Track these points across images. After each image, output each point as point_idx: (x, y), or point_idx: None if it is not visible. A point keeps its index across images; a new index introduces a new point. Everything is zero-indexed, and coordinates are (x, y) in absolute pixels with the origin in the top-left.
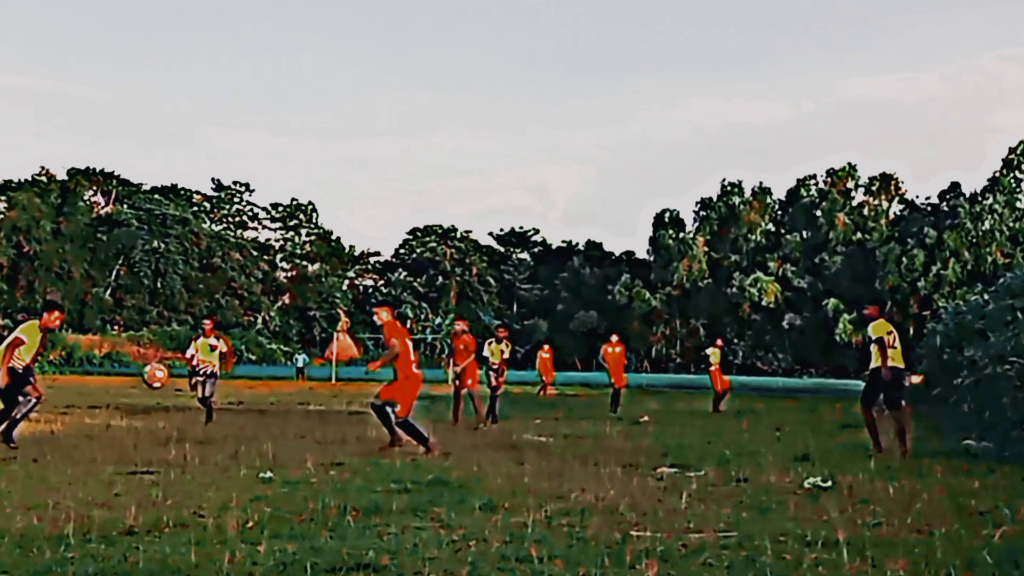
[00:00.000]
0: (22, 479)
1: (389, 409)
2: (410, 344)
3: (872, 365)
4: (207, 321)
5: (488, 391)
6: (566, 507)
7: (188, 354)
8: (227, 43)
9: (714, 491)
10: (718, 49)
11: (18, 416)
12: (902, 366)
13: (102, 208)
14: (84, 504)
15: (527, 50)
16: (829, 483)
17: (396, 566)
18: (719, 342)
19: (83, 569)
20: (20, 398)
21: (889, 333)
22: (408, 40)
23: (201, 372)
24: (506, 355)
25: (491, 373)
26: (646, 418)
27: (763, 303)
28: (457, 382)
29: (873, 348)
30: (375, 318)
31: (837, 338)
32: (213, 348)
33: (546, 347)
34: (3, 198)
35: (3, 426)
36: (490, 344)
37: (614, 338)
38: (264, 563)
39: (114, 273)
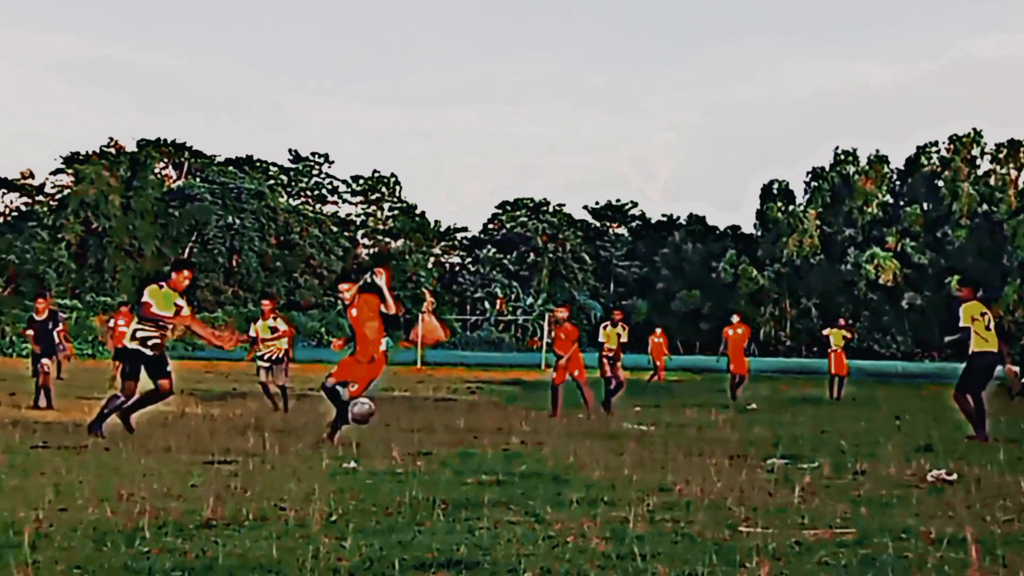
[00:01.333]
0: (94, 469)
1: (341, 389)
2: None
3: (973, 349)
4: (266, 302)
5: (602, 380)
6: (670, 501)
7: (250, 336)
8: (305, 6)
9: (829, 484)
10: (830, 6)
11: (106, 411)
12: (995, 350)
13: (174, 182)
14: (159, 496)
15: (624, 13)
16: (954, 476)
17: (489, 563)
18: (840, 321)
19: (159, 564)
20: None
21: (983, 315)
22: (497, 4)
23: (266, 358)
24: (623, 339)
25: (605, 360)
26: (754, 405)
27: (880, 281)
28: (555, 374)
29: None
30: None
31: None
32: (274, 331)
33: (659, 330)
34: (70, 172)
35: (104, 415)
36: (605, 328)
37: (735, 319)
38: (349, 558)
39: (187, 250)
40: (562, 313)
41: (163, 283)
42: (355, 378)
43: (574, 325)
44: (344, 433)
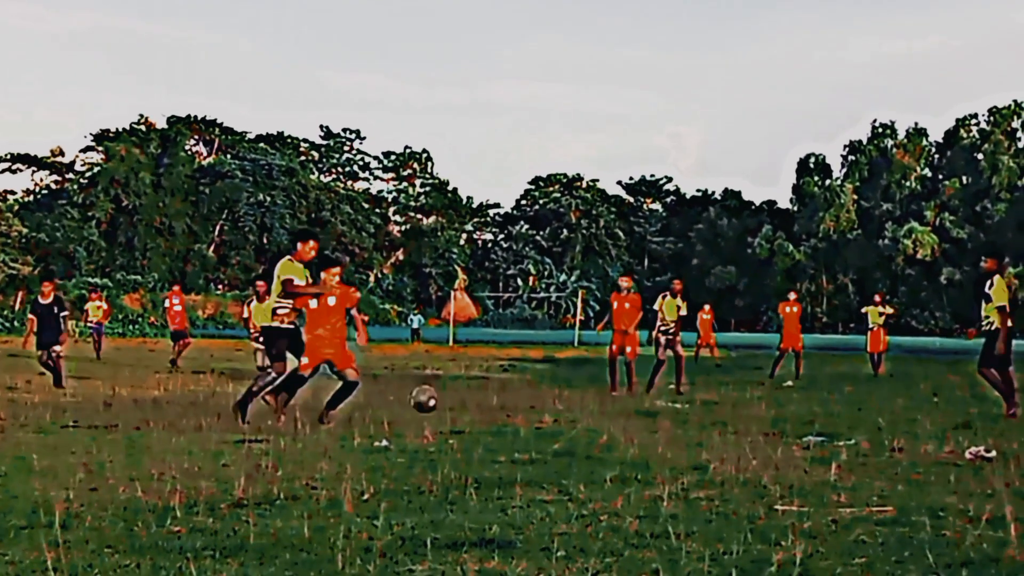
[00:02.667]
0: (124, 448)
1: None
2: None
3: (988, 319)
4: (261, 283)
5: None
6: (704, 479)
7: (243, 317)
8: None
9: (866, 462)
10: None
11: (255, 389)
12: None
13: (204, 159)
14: (190, 475)
15: None
16: (993, 453)
17: (522, 542)
18: (876, 298)
19: (190, 543)
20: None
21: (1010, 287)
22: None
23: (261, 341)
24: (683, 312)
25: (661, 335)
26: (790, 383)
27: (918, 256)
28: (613, 347)
29: (990, 306)
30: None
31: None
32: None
33: (707, 307)
34: (100, 149)
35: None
36: (664, 298)
37: (792, 296)
38: (381, 538)
39: (217, 228)
40: (626, 282)
41: (291, 256)
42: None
43: (639, 294)
44: (374, 411)
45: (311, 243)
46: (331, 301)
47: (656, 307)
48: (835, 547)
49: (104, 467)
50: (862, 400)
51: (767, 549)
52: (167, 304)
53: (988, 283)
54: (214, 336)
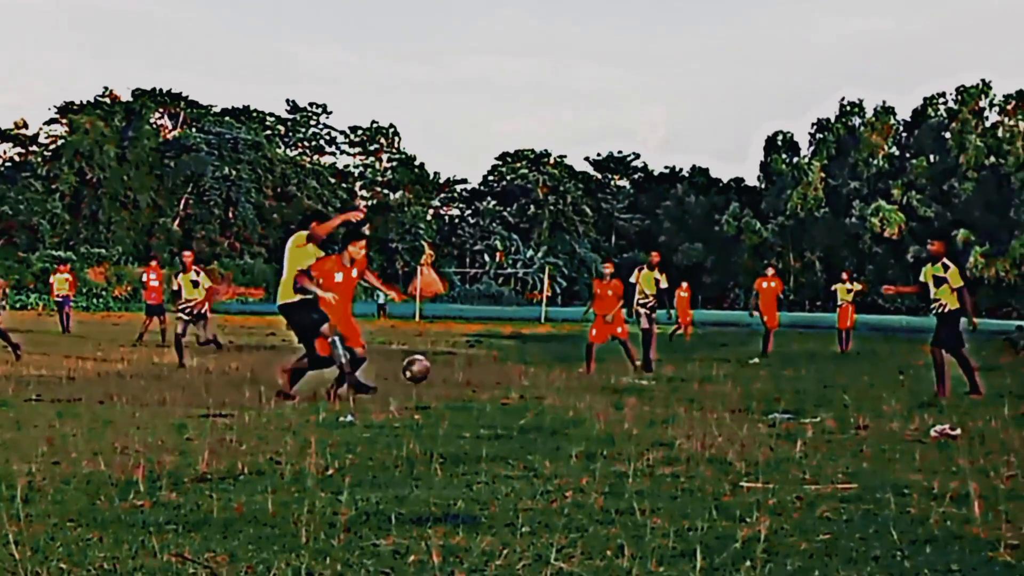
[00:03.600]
0: (87, 422)
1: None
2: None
3: (942, 301)
4: (187, 253)
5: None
6: (670, 456)
7: (174, 290)
8: None
9: (831, 439)
10: None
11: (346, 370)
12: (956, 307)
13: (169, 132)
14: (153, 449)
15: None
16: (958, 431)
17: (487, 517)
18: (844, 276)
19: (153, 518)
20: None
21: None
22: None
23: (186, 312)
24: (663, 284)
25: (641, 309)
26: (756, 360)
27: (885, 234)
28: (594, 332)
29: (943, 289)
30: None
31: (968, 273)
32: (196, 284)
33: (684, 284)
34: (65, 121)
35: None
36: (640, 271)
37: (770, 271)
38: (345, 512)
39: (182, 202)
40: (609, 268)
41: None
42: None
43: (620, 281)
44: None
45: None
46: (338, 277)
47: (633, 280)
48: (800, 524)
49: (67, 441)
50: (828, 378)
51: (732, 525)
52: (144, 279)
53: (942, 267)
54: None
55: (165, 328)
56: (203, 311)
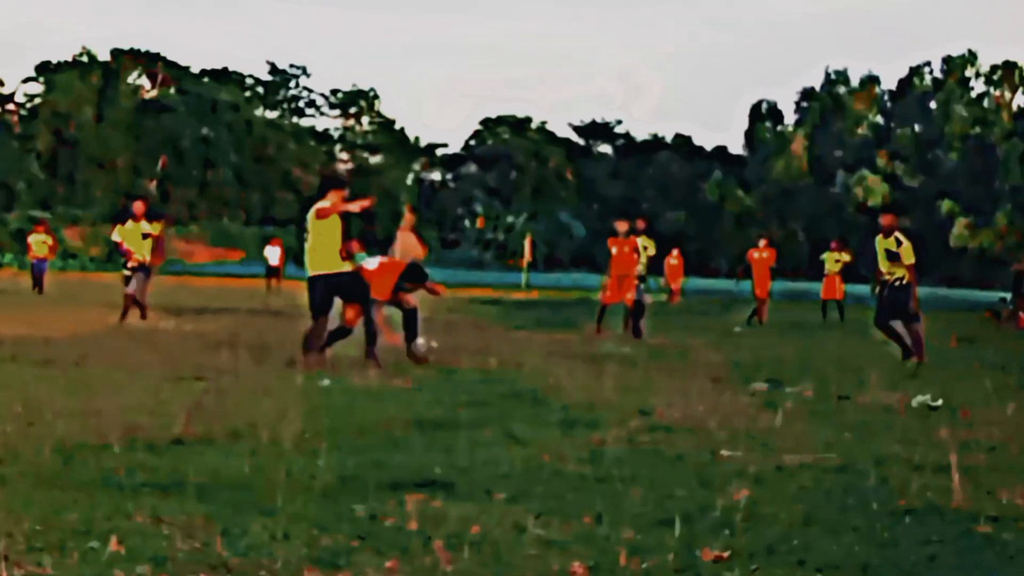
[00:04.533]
0: (63, 384)
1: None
2: None
3: (896, 275)
4: (139, 203)
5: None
6: (650, 424)
7: (114, 239)
8: None
9: (812, 409)
10: None
11: (372, 341)
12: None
13: (147, 92)
14: (129, 411)
15: None
16: (940, 402)
17: (466, 483)
18: (832, 244)
19: (129, 480)
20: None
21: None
22: None
23: (129, 266)
24: (650, 252)
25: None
26: (738, 329)
27: (869, 204)
28: (606, 292)
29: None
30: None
31: (951, 244)
32: (145, 236)
33: (675, 251)
34: (42, 80)
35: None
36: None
37: (762, 242)
38: (323, 477)
39: (160, 163)
40: (623, 226)
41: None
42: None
43: (635, 235)
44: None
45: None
46: None
47: (614, 250)
48: (780, 493)
49: (42, 402)
50: (810, 348)
51: (711, 494)
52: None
53: (895, 241)
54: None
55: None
56: (147, 265)
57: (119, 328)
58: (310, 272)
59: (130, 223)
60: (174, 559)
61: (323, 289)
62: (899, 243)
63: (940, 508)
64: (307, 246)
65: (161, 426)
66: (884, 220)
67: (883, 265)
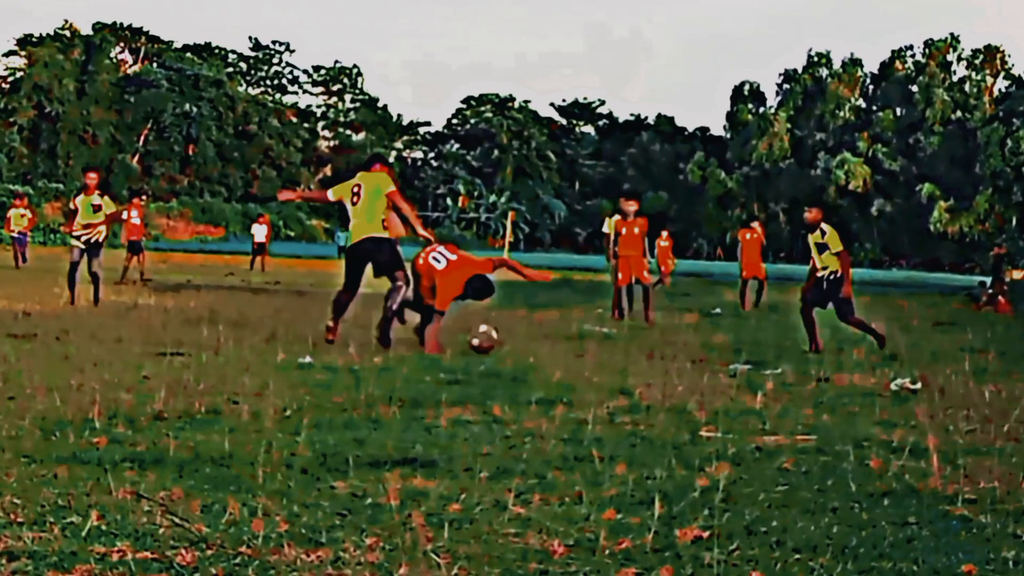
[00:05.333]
0: (44, 358)
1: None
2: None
3: (829, 269)
4: (92, 174)
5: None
6: (629, 404)
7: (70, 209)
8: None
9: (792, 391)
10: None
11: (389, 312)
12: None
13: (130, 67)
14: (110, 386)
15: None
16: (918, 385)
17: (445, 461)
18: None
19: (109, 455)
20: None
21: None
22: None
23: (83, 239)
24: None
25: (614, 260)
26: (719, 310)
27: (850, 187)
28: (621, 276)
29: (827, 255)
30: None
31: (931, 227)
32: (97, 209)
33: (664, 232)
34: (23, 54)
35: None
36: (613, 219)
37: (755, 224)
38: (303, 454)
39: (142, 138)
40: (632, 206)
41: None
42: None
43: (646, 217)
44: (299, 327)
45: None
46: None
47: (607, 229)
48: (758, 474)
49: (22, 376)
50: (790, 329)
51: (691, 474)
52: (125, 216)
53: (820, 233)
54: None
55: (143, 267)
56: (100, 240)
57: (99, 307)
58: (364, 236)
59: (82, 196)
60: (154, 535)
61: (373, 249)
62: (823, 233)
63: (918, 490)
64: (359, 209)
65: (142, 402)
66: (809, 215)
67: (816, 260)
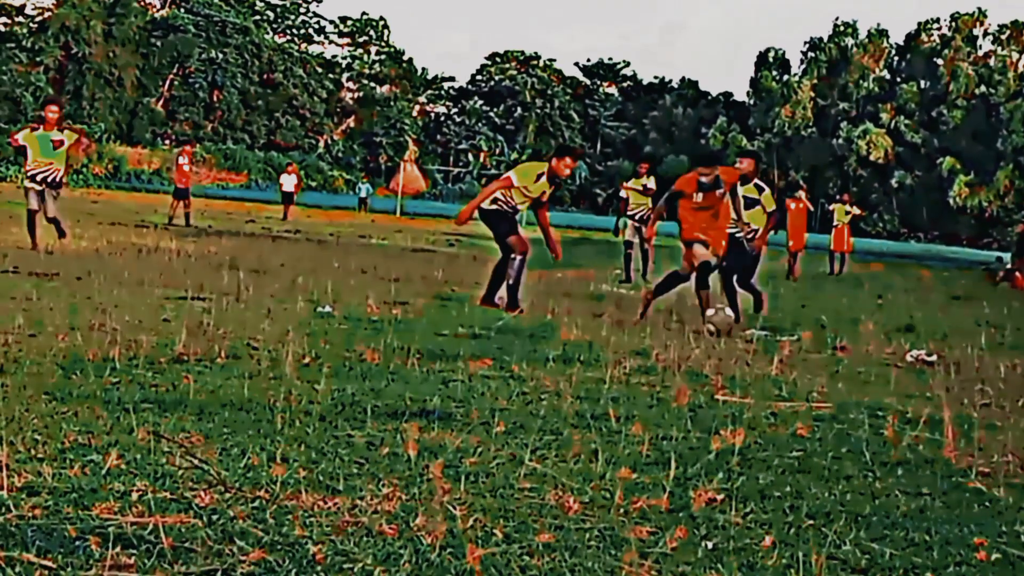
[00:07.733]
0: (65, 298)
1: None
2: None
3: (751, 227)
4: (53, 107)
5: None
6: (646, 365)
7: (20, 145)
8: None
9: (808, 358)
10: None
11: (512, 282)
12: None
13: (157, 11)
14: (131, 328)
15: None
16: (934, 357)
17: (462, 415)
18: (845, 197)
19: (129, 395)
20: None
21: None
22: None
23: (39, 179)
24: (650, 186)
25: (630, 221)
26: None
27: (871, 158)
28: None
29: (756, 211)
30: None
31: (951, 201)
32: (56, 146)
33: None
34: None
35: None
36: (625, 185)
37: (800, 193)
38: (322, 402)
39: (167, 83)
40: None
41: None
42: None
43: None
44: (319, 277)
45: (567, 160)
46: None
47: (624, 195)
48: (773, 439)
49: (44, 314)
50: (808, 298)
51: (706, 437)
52: (178, 161)
53: (756, 188)
54: (159, 191)
55: (189, 212)
56: (60, 179)
57: (36, 252)
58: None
59: (41, 129)
60: (173, 476)
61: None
62: (760, 189)
63: (932, 461)
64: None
65: (162, 344)
66: (741, 165)
67: (742, 216)
